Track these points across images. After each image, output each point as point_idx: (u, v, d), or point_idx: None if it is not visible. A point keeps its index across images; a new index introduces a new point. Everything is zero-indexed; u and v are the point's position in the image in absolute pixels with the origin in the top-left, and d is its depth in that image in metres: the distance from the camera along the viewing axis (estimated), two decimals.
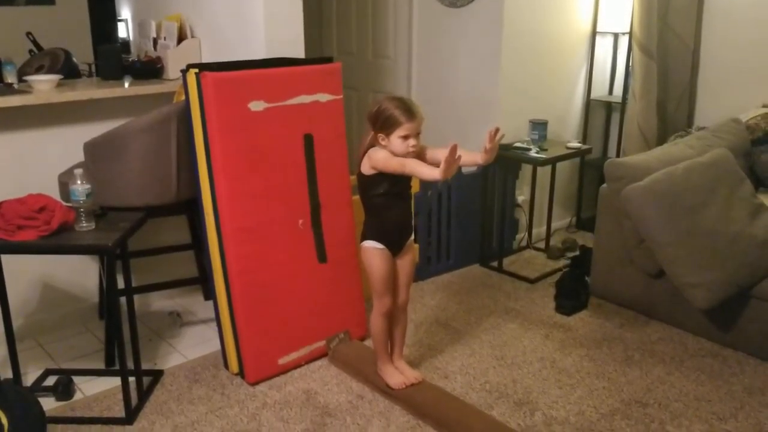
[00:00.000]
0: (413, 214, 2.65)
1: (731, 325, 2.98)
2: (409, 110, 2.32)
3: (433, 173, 2.23)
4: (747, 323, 2.93)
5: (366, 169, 2.41)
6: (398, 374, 2.66)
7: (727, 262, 2.84)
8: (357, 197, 3.06)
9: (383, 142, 2.35)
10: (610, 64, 4.45)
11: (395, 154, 2.34)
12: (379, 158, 2.35)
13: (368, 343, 3.03)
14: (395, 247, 2.53)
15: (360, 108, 4.78)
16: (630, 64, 4.05)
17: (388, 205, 2.46)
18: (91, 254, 3.11)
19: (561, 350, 3.01)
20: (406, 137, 2.32)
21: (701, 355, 2.97)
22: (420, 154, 2.40)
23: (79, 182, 2.39)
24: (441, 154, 2.21)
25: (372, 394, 2.68)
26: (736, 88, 3.92)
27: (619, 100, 4.28)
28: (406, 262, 2.59)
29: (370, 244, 2.49)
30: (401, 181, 2.43)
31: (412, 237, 2.61)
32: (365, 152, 2.41)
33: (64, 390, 2.62)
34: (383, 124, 2.33)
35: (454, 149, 2.11)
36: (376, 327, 2.61)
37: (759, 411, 2.57)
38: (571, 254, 4.02)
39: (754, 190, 3.13)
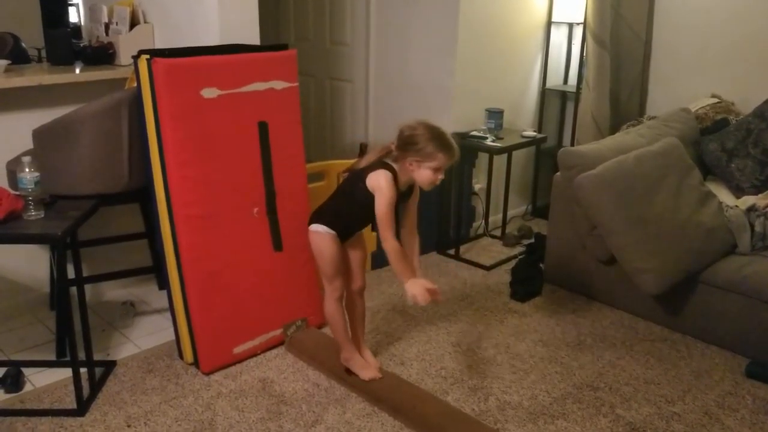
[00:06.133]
0: None
1: (679, 310, 3.06)
2: (451, 148, 2.30)
3: (403, 274, 2.33)
4: (694, 308, 3.01)
5: (371, 183, 2.33)
6: (369, 367, 2.65)
7: (676, 249, 2.91)
8: (313, 185, 3.08)
9: (411, 167, 2.31)
10: (565, 53, 4.51)
11: (416, 180, 2.34)
12: (383, 202, 2.29)
13: (326, 330, 3.04)
14: (344, 237, 2.51)
15: (317, 95, 4.76)
16: (584, 54, 4.11)
17: (361, 211, 2.41)
18: (39, 243, 3.04)
19: (515, 336, 3.05)
20: (437, 170, 2.30)
21: (651, 339, 3.05)
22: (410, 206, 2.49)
23: (27, 170, 2.33)
24: (411, 248, 2.48)
25: (328, 381, 2.68)
26: (686, 79, 4.01)
27: (574, 89, 4.33)
28: (355, 247, 2.58)
29: (321, 229, 2.45)
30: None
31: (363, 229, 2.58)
32: (378, 159, 2.35)
33: (13, 382, 2.57)
34: (421, 152, 2.28)
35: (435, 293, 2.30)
36: (332, 313, 2.56)
37: (705, 393, 2.65)
38: (526, 241, 4.08)
39: (702, 179, 3.21)
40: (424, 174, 2.30)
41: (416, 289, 2.28)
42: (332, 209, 2.48)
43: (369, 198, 2.33)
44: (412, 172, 2.32)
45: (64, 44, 3.28)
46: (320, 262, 2.50)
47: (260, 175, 2.77)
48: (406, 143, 2.30)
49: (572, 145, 4.30)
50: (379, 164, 2.35)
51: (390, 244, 2.31)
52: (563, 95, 4.59)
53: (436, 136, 2.29)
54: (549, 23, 4.33)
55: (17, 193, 2.37)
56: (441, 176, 2.32)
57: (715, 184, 3.46)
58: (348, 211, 2.45)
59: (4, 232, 2.29)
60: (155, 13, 3.29)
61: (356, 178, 2.39)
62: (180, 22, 3.16)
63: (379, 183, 2.31)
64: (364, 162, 2.39)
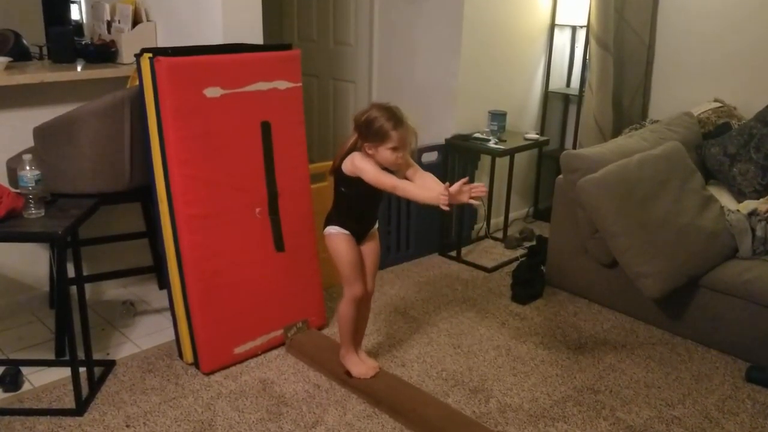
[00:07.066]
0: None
1: (680, 313, 3.06)
2: (400, 121, 2.28)
3: (429, 196, 2.24)
4: (695, 312, 3.01)
5: (347, 168, 2.36)
6: (362, 364, 2.65)
7: (677, 253, 2.91)
8: (315, 186, 3.07)
9: (370, 152, 2.31)
10: (568, 56, 4.51)
11: (383, 165, 2.32)
12: (367, 170, 2.31)
13: (327, 332, 3.03)
14: (358, 236, 2.52)
15: (320, 95, 4.76)
16: (587, 58, 4.10)
17: (359, 201, 2.44)
18: (40, 242, 3.03)
19: (516, 338, 3.04)
20: (395, 149, 2.29)
21: (651, 343, 3.04)
22: (402, 167, 2.40)
23: (28, 168, 2.32)
24: (428, 179, 2.35)
25: (329, 383, 2.67)
26: (688, 83, 4.01)
27: (576, 92, 4.33)
28: (370, 248, 2.58)
29: (335, 230, 2.47)
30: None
31: (376, 225, 2.60)
32: (347, 152, 2.37)
33: (11, 381, 2.56)
34: (373, 135, 2.28)
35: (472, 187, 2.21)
36: (346, 315, 2.56)
37: (705, 397, 2.65)
38: (528, 244, 4.07)
39: (704, 183, 3.20)
40: (384, 156, 2.31)
41: (436, 201, 2.22)
42: (337, 210, 2.50)
43: (356, 182, 2.35)
44: (373, 158, 2.33)
45: (66, 42, 3.27)
46: (339, 264, 2.49)
47: (262, 175, 2.77)
48: (361, 128, 2.31)
49: (575, 148, 4.30)
50: (348, 153, 2.38)
51: (400, 185, 2.30)
52: (566, 98, 4.58)
53: (385, 115, 2.28)
54: (552, 26, 4.32)
55: (18, 191, 2.36)
56: (401, 154, 2.31)
57: (717, 189, 3.45)
58: (349, 205, 2.46)
59: (4, 231, 2.27)
60: (158, 11, 3.29)
61: (338, 173, 2.41)
62: (183, 21, 3.16)
63: (354, 163, 2.34)
64: (338, 159, 2.41)
